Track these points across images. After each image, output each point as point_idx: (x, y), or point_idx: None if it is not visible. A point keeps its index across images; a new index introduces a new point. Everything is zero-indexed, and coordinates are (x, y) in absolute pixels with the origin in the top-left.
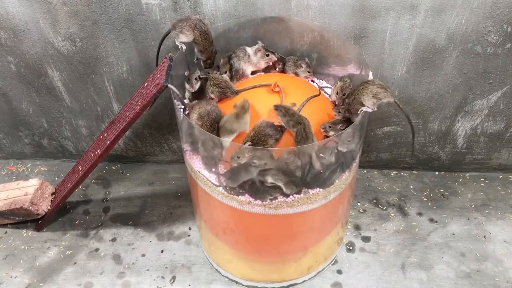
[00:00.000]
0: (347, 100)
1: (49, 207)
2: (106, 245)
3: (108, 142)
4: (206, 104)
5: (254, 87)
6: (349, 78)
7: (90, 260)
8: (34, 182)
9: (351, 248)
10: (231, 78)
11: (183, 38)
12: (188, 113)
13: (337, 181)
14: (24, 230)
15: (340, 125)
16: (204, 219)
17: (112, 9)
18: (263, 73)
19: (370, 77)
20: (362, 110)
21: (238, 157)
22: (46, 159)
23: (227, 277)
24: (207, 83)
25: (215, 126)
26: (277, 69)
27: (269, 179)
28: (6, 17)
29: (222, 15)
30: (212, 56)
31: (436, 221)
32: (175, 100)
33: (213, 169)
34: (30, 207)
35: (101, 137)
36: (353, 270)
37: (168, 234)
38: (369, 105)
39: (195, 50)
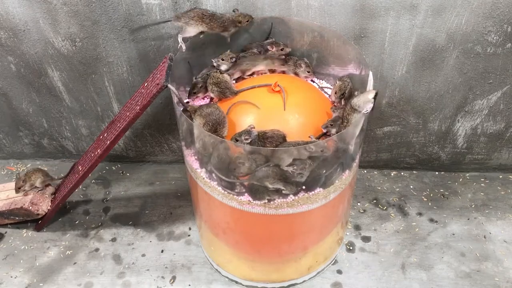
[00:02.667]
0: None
1: (49, 207)
2: (106, 245)
3: (108, 142)
4: (207, 106)
5: (253, 87)
6: (348, 78)
7: (90, 260)
8: None
9: (351, 248)
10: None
11: (191, 30)
12: (190, 116)
13: (337, 181)
14: (24, 230)
15: (340, 121)
16: (204, 219)
17: (112, 9)
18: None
19: (370, 77)
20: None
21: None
22: (46, 159)
23: (227, 277)
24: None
25: (216, 127)
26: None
27: (269, 185)
28: (6, 17)
29: None
30: (235, 24)
31: (436, 221)
32: (175, 100)
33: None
34: (30, 207)
35: (101, 137)
36: (353, 270)
37: (168, 234)
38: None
39: (226, 34)
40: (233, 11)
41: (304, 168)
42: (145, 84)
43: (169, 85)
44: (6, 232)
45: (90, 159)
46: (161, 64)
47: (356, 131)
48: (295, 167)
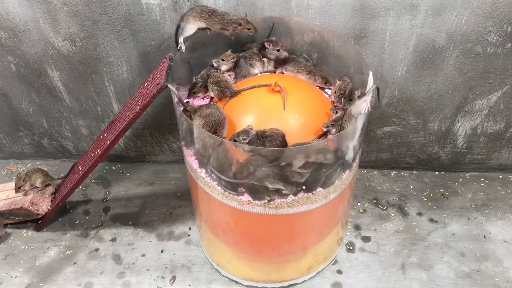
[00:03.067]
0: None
1: (49, 207)
2: (106, 245)
3: (108, 142)
4: (207, 107)
5: (253, 87)
6: (348, 78)
7: (90, 260)
8: None
9: (351, 248)
10: (235, 75)
11: (190, 27)
12: (190, 116)
13: (337, 181)
14: (24, 230)
15: (341, 122)
16: (204, 219)
17: (112, 9)
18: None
19: (370, 77)
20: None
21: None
22: (46, 159)
23: (227, 277)
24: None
25: (216, 127)
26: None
27: (269, 185)
28: (6, 17)
29: None
30: (237, 28)
31: (436, 221)
32: (175, 100)
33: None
34: (30, 207)
35: (101, 137)
36: (353, 270)
37: (168, 234)
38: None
39: (227, 33)
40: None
41: (306, 169)
42: (145, 84)
43: (169, 85)
44: (6, 232)
45: (90, 159)
46: (161, 64)
47: (354, 136)
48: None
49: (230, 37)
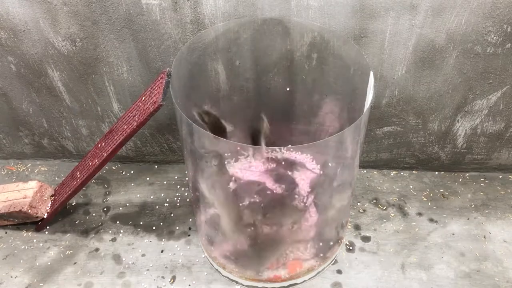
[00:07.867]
0: None
1: (48, 210)
2: (106, 245)
3: (105, 154)
4: None
5: None
6: None
7: (90, 260)
8: (33, 185)
9: (351, 248)
10: None
11: None
12: None
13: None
14: (24, 231)
15: None
16: (204, 219)
17: (112, 9)
18: None
19: (371, 77)
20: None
21: None
22: (46, 159)
23: (227, 277)
24: None
25: None
26: None
27: None
28: (6, 17)
29: (222, 15)
30: None
31: (436, 221)
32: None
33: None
34: (29, 211)
35: (99, 145)
36: (353, 270)
37: (168, 234)
38: None
39: None
40: None
41: None
42: (143, 98)
43: (176, 105)
44: (6, 233)
45: (88, 167)
46: (158, 79)
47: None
48: None
49: None
